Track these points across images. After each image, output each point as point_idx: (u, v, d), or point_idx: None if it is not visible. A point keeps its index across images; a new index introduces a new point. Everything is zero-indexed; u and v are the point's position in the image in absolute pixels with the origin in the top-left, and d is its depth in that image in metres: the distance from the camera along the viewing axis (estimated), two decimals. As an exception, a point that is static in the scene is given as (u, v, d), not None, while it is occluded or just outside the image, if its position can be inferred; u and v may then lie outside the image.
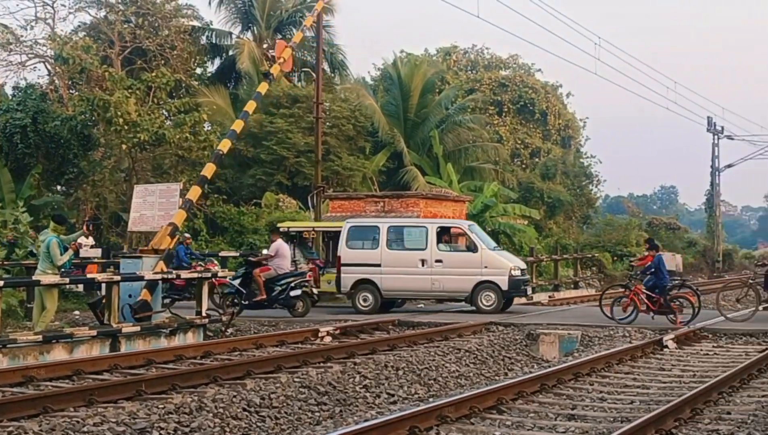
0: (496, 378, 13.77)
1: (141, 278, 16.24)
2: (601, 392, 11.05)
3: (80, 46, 31.08)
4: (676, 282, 19.13)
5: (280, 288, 19.24)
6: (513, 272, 20.02)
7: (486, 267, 19.99)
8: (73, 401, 9.67)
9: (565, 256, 36.05)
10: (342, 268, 20.72)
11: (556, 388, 11.18)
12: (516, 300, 21.35)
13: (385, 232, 20.72)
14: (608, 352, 13.75)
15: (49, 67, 34.59)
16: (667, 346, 14.88)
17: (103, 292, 16.02)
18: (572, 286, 33.34)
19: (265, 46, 40.10)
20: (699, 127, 54.86)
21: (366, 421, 9.10)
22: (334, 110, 36.18)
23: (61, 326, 16.40)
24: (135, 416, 9.30)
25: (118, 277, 15.70)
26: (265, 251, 21.36)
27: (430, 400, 11.31)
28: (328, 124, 34.33)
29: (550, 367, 13.13)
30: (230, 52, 41.29)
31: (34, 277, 15.22)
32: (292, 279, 19.37)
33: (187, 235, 23.20)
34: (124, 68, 34.19)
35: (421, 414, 8.89)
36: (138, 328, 15.35)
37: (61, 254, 14.74)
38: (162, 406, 9.71)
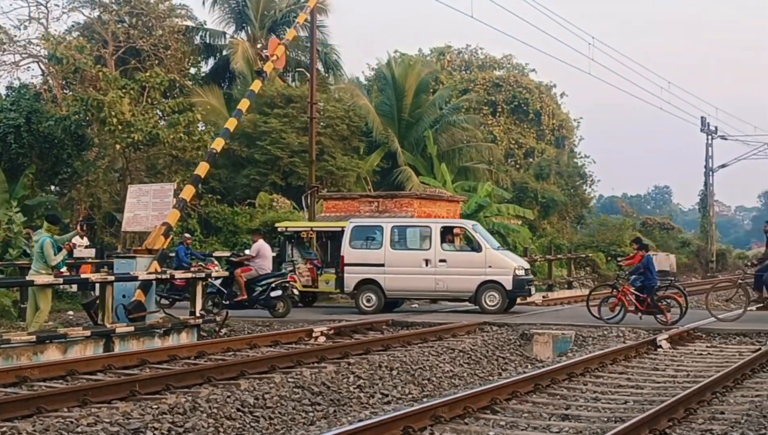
0: (490, 378, 13.78)
1: (135, 278, 16.23)
2: (594, 392, 11.06)
3: (74, 45, 31.08)
4: (666, 283, 19.14)
5: (260, 288, 19.22)
6: (517, 272, 19.91)
7: (490, 267, 19.88)
8: (67, 401, 9.65)
9: (558, 256, 36.09)
10: (345, 268, 20.57)
11: (550, 388, 11.20)
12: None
13: (389, 232, 20.60)
14: (602, 352, 13.78)
15: (42, 66, 34.59)
16: (660, 346, 14.89)
17: (97, 293, 16.01)
18: (566, 286, 33.37)
19: (259, 46, 39.98)
20: (693, 127, 55.15)
21: (360, 421, 9.09)
22: (328, 110, 36.13)
23: (54, 326, 16.35)
24: (129, 416, 9.30)
25: (112, 278, 15.70)
26: (247, 251, 21.34)
27: (424, 400, 11.32)
28: (322, 124, 34.30)
29: (544, 367, 13.14)
30: (224, 52, 41.26)
31: (27, 278, 15.19)
32: (273, 279, 19.34)
33: (187, 235, 23.20)
34: (117, 68, 34.17)
35: (415, 414, 8.90)
36: (132, 329, 15.34)
37: (55, 254, 14.72)
38: (156, 406, 9.71)
